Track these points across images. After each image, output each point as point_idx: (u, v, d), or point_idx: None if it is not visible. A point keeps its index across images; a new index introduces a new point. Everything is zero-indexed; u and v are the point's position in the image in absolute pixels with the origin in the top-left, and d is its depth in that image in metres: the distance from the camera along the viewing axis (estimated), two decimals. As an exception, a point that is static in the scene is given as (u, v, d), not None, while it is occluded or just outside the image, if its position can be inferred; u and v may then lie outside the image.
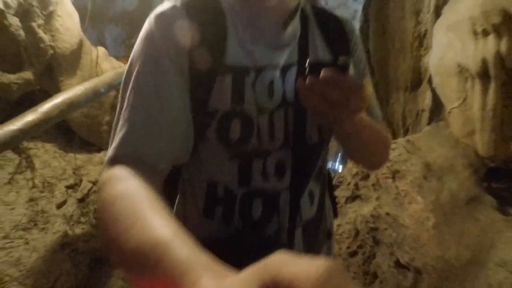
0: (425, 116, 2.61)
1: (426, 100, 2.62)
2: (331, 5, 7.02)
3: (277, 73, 0.55)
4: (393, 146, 2.05)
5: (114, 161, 0.45)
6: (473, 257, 1.46)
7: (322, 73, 0.43)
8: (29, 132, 1.22)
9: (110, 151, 0.47)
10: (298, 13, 0.59)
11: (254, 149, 0.54)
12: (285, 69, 0.55)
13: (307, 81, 0.44)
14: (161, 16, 0.51)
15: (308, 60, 0.49)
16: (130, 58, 0.50)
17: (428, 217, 1.63)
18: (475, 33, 1.68)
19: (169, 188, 0.57)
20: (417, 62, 2.75)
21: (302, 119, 0.56)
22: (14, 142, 1.21)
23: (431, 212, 1.65)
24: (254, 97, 0.53)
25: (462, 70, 1.84)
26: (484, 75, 1.73)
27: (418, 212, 1.67)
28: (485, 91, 1.77)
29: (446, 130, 2.06)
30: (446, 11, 1.90)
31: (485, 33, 1.63)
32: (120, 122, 0.47)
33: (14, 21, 1.76)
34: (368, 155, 0.63)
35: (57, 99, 1.40)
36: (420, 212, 1.66)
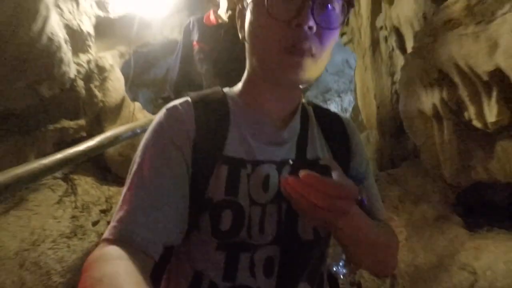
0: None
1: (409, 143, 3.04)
2: (331, 71, 8.01)
3: (274, 168, 0.55)
4: (375, 178, 2.41)
5: (109, 240, 0.46)
6: (439, 263, 1.70)
7: (300, 174, 0.44)
8: (89, 154, 1.69)
9: (107, 230, 0.47)
10: (298, 112, 0.62)
11: (242, 242, 0.53)
12: (281, 165, 0.56)
13: (286, 181, 0.45)
14: (171, 109, 0.56)
15: (290, 159, 0.52)
16: (141, 144, 0.54)
17: (402, 231, 1.91)
18: (424, 86, 2.18)
19: (156, 271, 0.55)
20: (397, 113, 3.26)
21: (295, 216, 0.55)
22: (76, 160, 1.69)
23: (404, 227, 1.94)
24: (248, 190, 0.54)
25: (421, 114, 2.30)
26: (437, 116, 2.17)
27: (393, 228, 1.95)
28: (441, 129, 2.19)
29: (419, 164, 2.43)
30: (402, 70, 2.45)
31: (431, 85, 2.13)
32: (120, 203, 0.49)
33: (80, 83, 2.42)
34: (372, 262, 0.59)
35: (108, 133, 1.92)
36: (395, 227, 1.94)
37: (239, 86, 0.63)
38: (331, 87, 8.41)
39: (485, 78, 1.76)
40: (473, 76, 1.82)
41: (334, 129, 0.64)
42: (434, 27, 1.97)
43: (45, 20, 1.72)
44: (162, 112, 0.56)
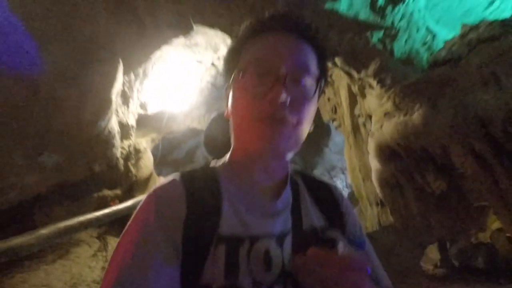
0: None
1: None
2: (334, 150, 8.77)
3: (273, 242, 0.53)
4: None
5: None
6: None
7: (308, 253, 0.44)
8: (117, 215, 2.30)
9: None
10: (288, 181, 0.61)
11: None
12: (281, 238, 0.54)
13: (297, 260, 0.45)
14: (158, 190, 0.53)
15: (298, 235, 0.52)
16: (127, 225, 0.49)
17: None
18: (383, 160, 2.79)
19: None
20: (379, 184, 3.78)
21: None
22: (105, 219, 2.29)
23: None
24: (249, 269, 0.50)
25: (387, 183, 2.84)
26: (398, 184, 2.71)
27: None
28: (402, 194, 2.69)
29: (389, 224, 2.84)
30: (369, 148, 3.10)
31: (388, 159, 2.74)
32: (103, 283, 0.45)
33: (121, 162, 3.19)
34: None
35: (135, 199, 2.55)
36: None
37: (226, 158, 0.62)
38: (335, 165, 9.09)
39: (419, 152, 2.37)
40: (411, 152, 2.44)
41: (324, 195, 0.64)
42: (380, 117, 2.70)
43: (109, 119, 2.58)
44: (149, 195, 0.53)
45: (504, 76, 1.78)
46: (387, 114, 2.55)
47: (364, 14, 2.34)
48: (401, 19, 2.40)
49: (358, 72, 2.70)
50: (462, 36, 2.04)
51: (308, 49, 0.57)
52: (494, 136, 1.88)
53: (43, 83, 2.24)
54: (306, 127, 0.56)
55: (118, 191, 3.20)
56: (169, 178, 0.56)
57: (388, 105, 2.50)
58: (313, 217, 0.59)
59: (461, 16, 2.43)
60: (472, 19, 2.37)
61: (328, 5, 2.30)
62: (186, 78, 3.90)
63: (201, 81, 4.43)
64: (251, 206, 0.55)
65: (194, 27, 2.57)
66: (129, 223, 0.50)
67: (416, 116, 2.34)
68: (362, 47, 2.53)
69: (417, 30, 2.47)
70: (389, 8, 2.36)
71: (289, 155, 0.57)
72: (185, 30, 2.63)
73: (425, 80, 2.32)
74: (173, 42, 2.85)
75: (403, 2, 2.28)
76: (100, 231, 3.02)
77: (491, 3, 2.32)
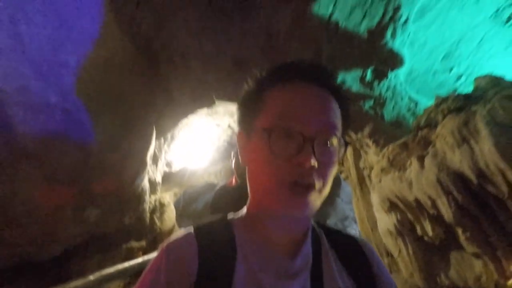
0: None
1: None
2: (345, 200, 8.89)
3: None
4: None
5: None
6: None
7: None
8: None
9: None
10: (308, 238, 0.57)
11: None
12: None
13: None
14: (171, 246, 0.52)
15: None
16: (138, 282, 0.50)
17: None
18: (385, 211, 3.05)
19: None
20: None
21: None
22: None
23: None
24: None
25: (390, 233, 3.05)
26: (400, 234, 2.92)
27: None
28: (406, 244, 2.88)
29: (398, 274, 2.98)
30: (372, 200, 3.38)
31: (389, 210, 3.00)
32: None
33: (147, 215, 3.56)
34: None
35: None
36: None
37: (244, 212, 0.60)
38: (347, 214, 9.09)
39: (414, 204, 2.65)
40: (408, 203, 2.72)
41: (351, 253, 0.59)
42: (378, 172, 3.03)
43: (143, 178, 3.03)
44: (162, 250, 0.52)
45: (472, 140, 2.15)
46: (383, 170, 2.90)
47: (356, 87, 2.85)
48: (386, 90, 2.88)
49: (356, 133, 3.13)
50: (436, 105, 2.48)
51: (335, 104, 0.54)
52: (474, 190, 2.19)
53: (93, 150, 2.75)
54: (328, 189, 0.54)
55: (143, 243, 3.51)
56: (185, 231, 0.55)
57: (384, 162, 2.86)
58: (338, 280, 0.54)
59: (436, 87, 2.90)
60: (445, 90, 2.84)
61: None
62: (206, 139, 4.44)
63: (219, 140, 4.96)
64: (267, 265, 0.52)
65: (216, 101, 3.14)
66: (140, 279, 0.50)
67: (408, 172, 2.68)
68: (357, 113, 2.99)
69: (401, 99, 2.94)
70: (376, 82, 2.86)
71: (309, 216, 0.54)
72: (208, 103, 3.20)
73: (412, 141, 2.71)
74: (198, 112, 3.42)
75: (387, 78, 2.79)
76: (125, 282, 3.27)
77: (459, 77, 2.81)
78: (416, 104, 2.90)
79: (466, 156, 2.12)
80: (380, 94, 2.93)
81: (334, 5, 2.23)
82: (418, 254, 2.80)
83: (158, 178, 3.71)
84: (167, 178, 4.13)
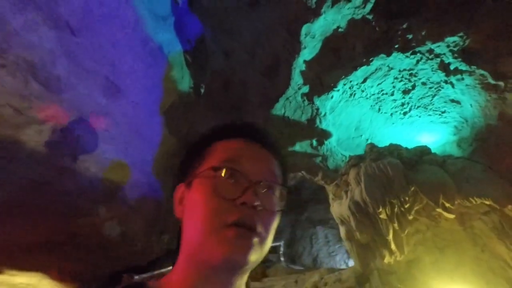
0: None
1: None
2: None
3: None
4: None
5: None
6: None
7: None
8: None
9: None
10: None
11: None
12: None
13: None
14: None
15: None
16: None
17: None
18: (340, 224, 4.80)
19: None
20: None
21: None
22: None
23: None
24: None
25: (345, 237, 4.76)
26: (348, 238, 4.62)
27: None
28: (351, 243, 4.58)
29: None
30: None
31: (340, 224, 4.74)
32: None
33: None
34: None
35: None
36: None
37: (171, 275, 0.55)
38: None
39: (348, 220, 4.42)
40: (346, 220, 4.49)
41: None
42: (331, 200, 4.82)
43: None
44: None
45: (360, 183, 3.94)
46: (332, 199, 4.72)
47: (309, 150, 4.80)
48: (326, 151, 4.82)
49: (314, 177, 5.06)
50: (348, 162, 4.32)
51: (275, 160, 0.59)
52: (364, 210, 3.96)
53: (163, 201, 4.89)
54: (270, 242, 0.53)
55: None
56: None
57: (331, 195, 4.70)
58: None
59: (356, 146, 4.80)
60: (361, 148, 4.74)
61: (288, 148, 4.81)
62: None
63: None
64: None
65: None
66: None
67: (343, 201, 4.48)
68: (312, 165, 4.96)
69: (336, 155, 4.86)
70: (319, 146, 4.83)
71: (248, 270, 0.52)
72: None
73: (341, 182, 4.54)
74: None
75: (324, 144, 4.74)
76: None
77: (367, 140, 4.65)
78: (346, 157, 4.79)
79: (357, 192, 3.92)
80: (323, 154, 4.88)
81: (285, 108, 4.30)
82: (359, 250, 4.46)
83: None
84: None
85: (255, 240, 0.50)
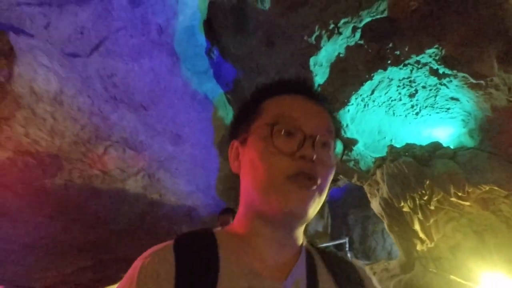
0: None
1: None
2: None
3: None
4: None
5: None
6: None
7: None
8: None
9: None
10: (301, 259, 0.56)
11: None
12: None
13: None
14: (146, 260, 0.50)
15: None
16: None
17: None
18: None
19: None
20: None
21: None
22: None
23: None
24: None
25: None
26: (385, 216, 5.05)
27: None
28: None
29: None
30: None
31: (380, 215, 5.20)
32: None
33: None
34: None
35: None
36: None
37: (233, 225, 0.58)
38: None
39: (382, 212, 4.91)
40: (380, 213, 4.98)
41: (348, 276, 0.57)
42: (369, 196, 5.32)
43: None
44: (135, 263, 0.49)
45: (385, 182, 4.44)
46: (370, 195, 5.24)
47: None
48: (356, 155, 5.43)
49: (351, 180, 5.67)
50: (373, 163, 4.83)
51: (328, 113, 0.60)
52: (390, 204, 4.44)
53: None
54: (325, 195, 0.55)
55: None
56: (164, 244, 0.52)
57: (367, 192, 5.24)
58: None
59: (382, 147, 5.27)
60: (386, 148, 5.22)
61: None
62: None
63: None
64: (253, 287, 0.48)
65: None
66: None
67: (378, 197, 4.99)
68: (347, 169, 5.60)
69: (366, 158, 5.42)
70: (349, 152, 5.46)
71: (305, 222, 0.53)
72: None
73: (372, 181, 5.05)
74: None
75: (353, 150, 5.35)
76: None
77: (390, 140, 5.08)
78: (374, 158, 5.31)
79: (384, 190, 4.44)
80: (354, 158, 5.49)
81: None
82: (400, 240, 4.87)
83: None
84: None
85: (316, 191, 0.51)
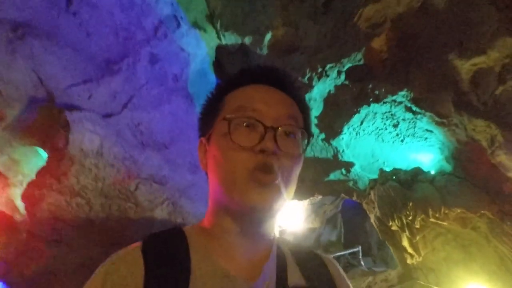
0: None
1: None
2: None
3: None
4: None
5: None
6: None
7: None
8: None
9: None
10: (271, 257, 0.57)
11: None
12: None
13: None
14: (111, 265, 0.48)
15: None
16: None
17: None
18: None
19: None
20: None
21: None
22: None
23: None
24: None
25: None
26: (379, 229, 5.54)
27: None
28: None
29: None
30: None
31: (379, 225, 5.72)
32: None
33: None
34: None
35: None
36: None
37: (203, 221, 0.58)
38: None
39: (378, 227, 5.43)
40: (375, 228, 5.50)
41: (316, 269, 0.59)
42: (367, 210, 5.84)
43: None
44: (98, 270, 0.47)
45: (377, 202, 4.98)
46: (369, 213, 5.78)
47: (340, 177, 6.06)
48: (354, 176, 6.00)
49: (352, 197, 6.23)
50: (368, 184, 5.38)
51: (295, 104, 0.59)
52: (383, 222, 4.97)
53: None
54: (293, 187, 0.55)
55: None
56: (132, 245, 0.52)
57: (365, 208, 5.79)
58: None
59: (376, 169, 5.82)
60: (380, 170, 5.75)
61: (325, 179, 6.20)
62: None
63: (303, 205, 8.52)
64: (225, 285, 0.49)
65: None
66: None
67: (374, 211, 5.52)
68: (347, 188, 6.17)
69: (363, 177, 5.98)
70: (347, 173, 6.03)
71: (272, 215, 0.55)
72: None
73: (368, 200, 5.60)
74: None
75: (351, 171, 5.93)
76: None
77: (383, 163, 5.61)
78: (370, 178, 5.86)
79: (374, 210, 4.99)
80: (353, 178, 6.07)
81: (313, 151, 5.79)
82: (397, 252, 5.34)
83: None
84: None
85: (277, 185, 0.51)
